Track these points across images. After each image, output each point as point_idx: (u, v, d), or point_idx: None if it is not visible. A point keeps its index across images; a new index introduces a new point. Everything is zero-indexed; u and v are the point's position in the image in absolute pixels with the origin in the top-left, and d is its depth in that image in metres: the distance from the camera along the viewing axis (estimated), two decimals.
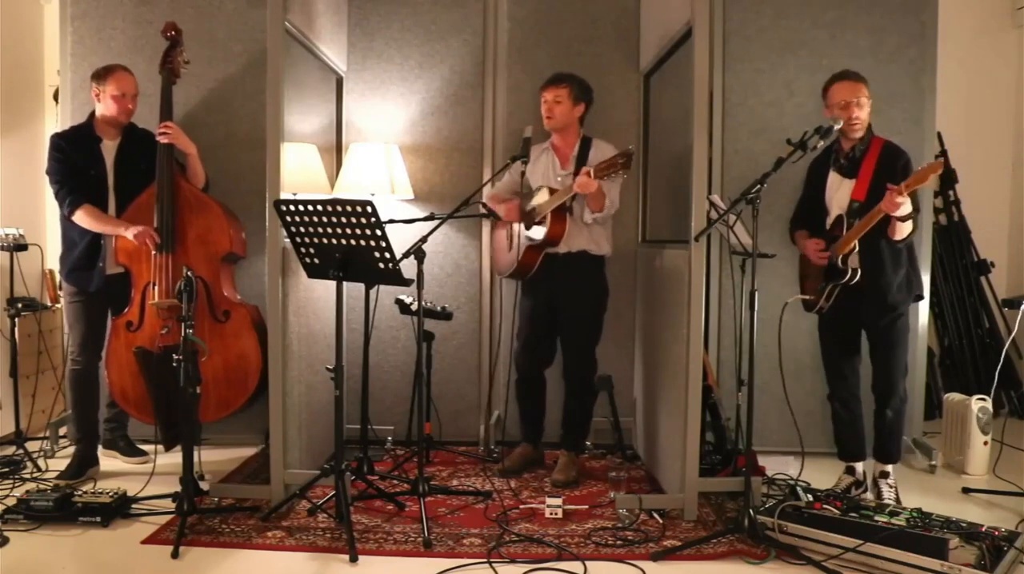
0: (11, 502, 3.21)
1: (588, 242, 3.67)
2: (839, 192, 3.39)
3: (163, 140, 3.62)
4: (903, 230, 3.18)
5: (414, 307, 3.78)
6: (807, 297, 3.48)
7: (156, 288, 3.62)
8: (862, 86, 3.32)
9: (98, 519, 3.11)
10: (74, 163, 3.60)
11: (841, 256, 3.27)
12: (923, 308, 4.14)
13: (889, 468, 3.49)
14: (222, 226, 3.72)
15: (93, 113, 3.72)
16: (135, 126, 3.76)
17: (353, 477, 3.40)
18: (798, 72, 4.11)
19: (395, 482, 3.58)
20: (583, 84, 3.71)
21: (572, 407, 3.83)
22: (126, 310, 3.69)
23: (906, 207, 3.08)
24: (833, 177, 3.43)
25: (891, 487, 3.45)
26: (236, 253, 3.80)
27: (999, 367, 4.17)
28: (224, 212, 3.75)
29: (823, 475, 3.63)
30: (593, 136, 3.78)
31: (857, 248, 3.25)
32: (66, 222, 3.66)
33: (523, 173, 3.62)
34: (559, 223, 3.58)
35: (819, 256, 3.38)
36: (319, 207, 2.95)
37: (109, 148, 3.70)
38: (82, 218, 3.58)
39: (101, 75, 3.65)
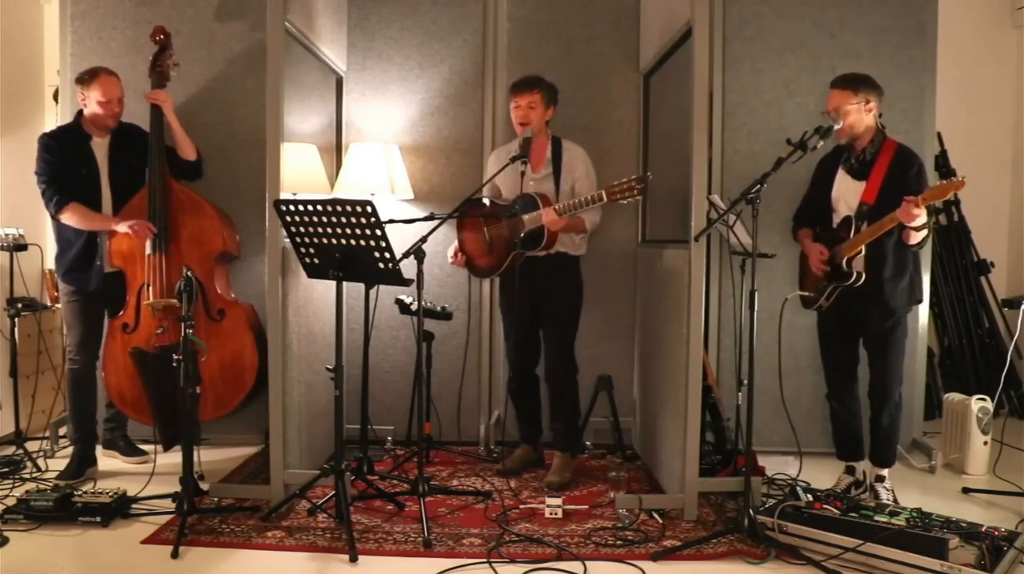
0: (11, 502, 3.21)
1: (566, 245, 3.70)
2: (847, 192, 3.37)
3: (149, 99, 3.65)
4: (917, 236, 3.18)
5: (414, 307, 3.78)
6: (806, 293, 3.48)
7: (150, 289, 3.63)
8: (848, 94, 3.27)
9: (98, 519, 3.11)
10: (64, 162, 3.59)
11: (847, 258, 3.27)
12: (923, 309, 4.14)
13: (885, 472, 3.48)
14: (215, 226, 3.72)
15: (80, 112, 3.71)
16: (124, 123, 3.75)
17: (353, 477, 3.40)
18: (798, 72, 4.11)
19: (395, 482, 3.58)
20: (552, 87, 3.72)
21: (558, 406, 3.82)
22: (121, 312, 3.69)
23: (922, 218, 3.08)
24: (842, 176, 3.41)
25: (888, 490, 3.45)
26: (230, 252, 3.80)
27: (1005, 370, 4.16)
28: (217, 212, 3.75)
29: (823, 475, 3.63)
30: (563, 137, 3.76)
31: (863, 252, 3.25)
32: (59, 222, 3.66)
33: (523, 173, 3.61)
34: (553, 233, 3.57)
35: (820, 267, 3.37)
36: (319, 207, 2.95)
37: (100, 145, 3.70)
38: (70, 218, 3.58)
39: (85, 80, 3.62)
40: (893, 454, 3.50)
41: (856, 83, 3.29)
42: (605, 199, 3.37)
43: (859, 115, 3.28)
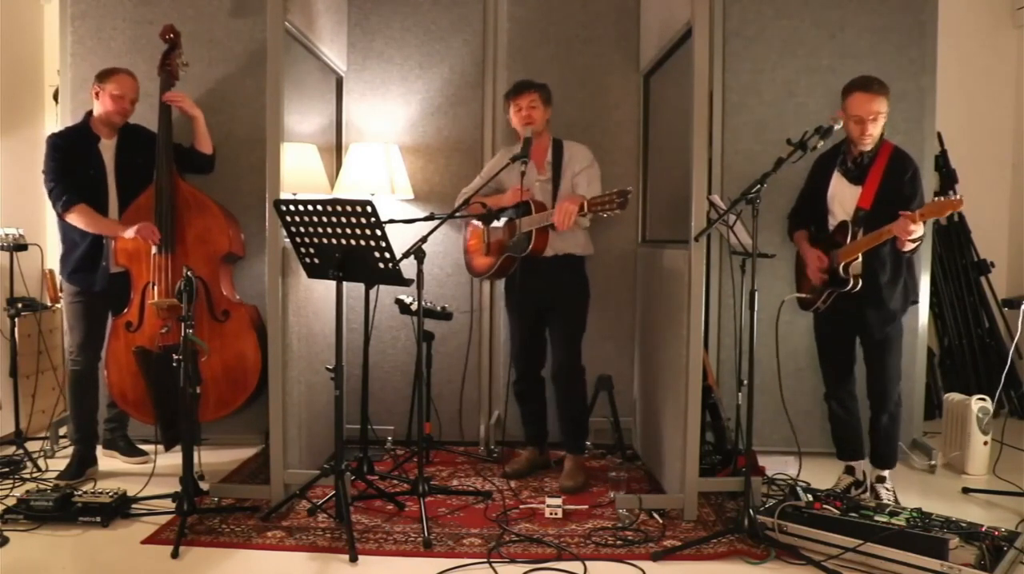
0: (11, 502, 3.21)
1: (573, 245, 3.66)
2: (844, 196, 3.37)
3: (176, 105, 3.69)
4: (911, 243, 3.18)
5: (414, 307, 3.78)
6: (804, 295, 3.49)
7: (156, 288, 3.63)
8: (882, 99, 3.21)
9: (98, 519, 3.12)
10: (72, 162, 3.59)
11: (843, 264, 3.27)
12: (923, 308, 4.14)
13: (886, 473, 3.48)
14: (221, 226, 3.72)
15: (89, 113, 3.72)
16: (130, 123, 3.76)
17: (353, 477, 3.40)
18: (798, 72, 4.11)
19: (395, 482, 3.58)
20: (547, 87, 3.72)
21: (568, 407, 3.78)
22: (125, 311, 3.69)
23: (918, 232, 3.08)
24: (838, 179, 3.40)
25: (889, 490, 3.45)
26: (235, 253, 3.81)
27: (1005, 370, 4.16)
28: (223, 212, 3.75)
29: (823, 475, 3.63)
30: (564, 139, 3.75)
31: (860, 259, 3.25)
32: (65, 222, 3.66)
33: (523, 173, 3.61)
34: (542, 236, 3.56)
35: (819, 275, 3.37)
36: (319, 207, 2.95)
37: (107, 147, 3.70)
38: (76, 219, 3.57)
39: (104, 75, 3.65)
40: (894, 455, 3.50)
41: (885, 88, 3.25)
42: (586, 209, 3.39)
43: (884, 119, 3.26)
